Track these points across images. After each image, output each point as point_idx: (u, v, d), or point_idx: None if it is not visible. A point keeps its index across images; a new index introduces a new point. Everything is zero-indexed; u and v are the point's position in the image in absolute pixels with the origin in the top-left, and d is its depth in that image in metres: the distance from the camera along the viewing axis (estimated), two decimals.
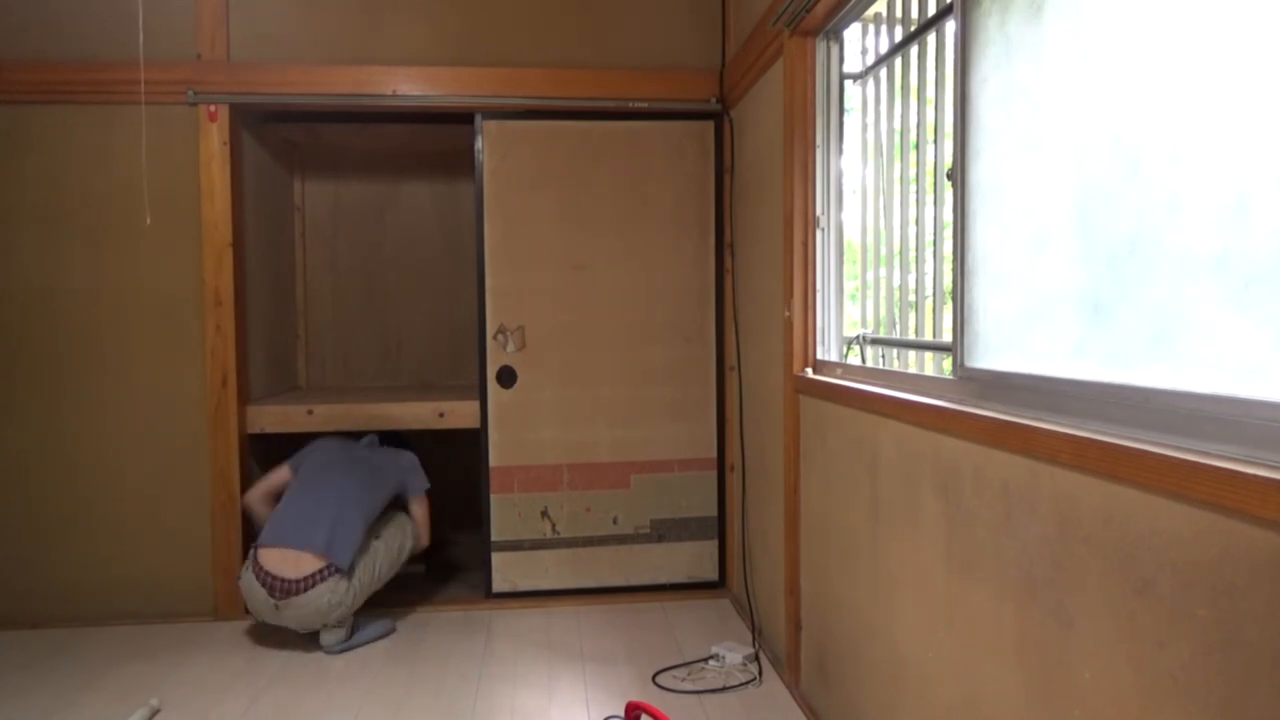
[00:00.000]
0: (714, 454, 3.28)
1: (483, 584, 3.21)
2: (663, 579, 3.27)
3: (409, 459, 3.06)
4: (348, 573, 2.67)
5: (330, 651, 2.73)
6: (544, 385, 3.19)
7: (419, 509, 3.04)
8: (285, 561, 2.62)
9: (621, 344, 3.22)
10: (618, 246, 3.21)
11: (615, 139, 3.18)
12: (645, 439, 3.24)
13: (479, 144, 3.12)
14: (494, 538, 3.18)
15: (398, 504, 3.05)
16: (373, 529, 2.85)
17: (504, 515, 3.18)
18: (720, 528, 3.30)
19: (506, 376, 3.17)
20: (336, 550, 2.65)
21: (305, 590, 2.59)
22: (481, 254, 3.15)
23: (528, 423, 3.19)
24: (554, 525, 3.21)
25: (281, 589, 2.59)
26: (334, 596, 2.63)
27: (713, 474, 3.28)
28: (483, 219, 3.14)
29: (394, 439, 3.35)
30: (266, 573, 2.62)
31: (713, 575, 3.30)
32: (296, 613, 2.62)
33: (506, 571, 3.20)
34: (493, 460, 3.17)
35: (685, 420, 3.26)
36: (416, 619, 3.05)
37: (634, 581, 3.26)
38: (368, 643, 2.81)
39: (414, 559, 3.11)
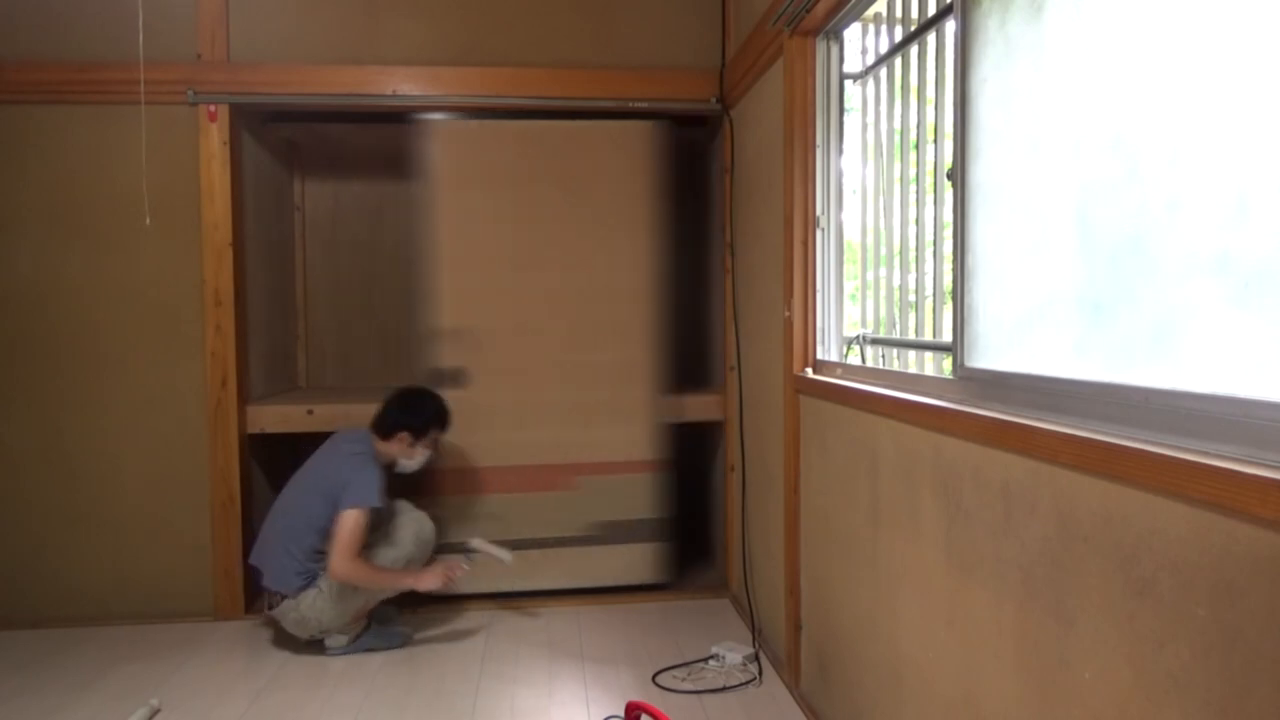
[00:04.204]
0: (649, 455, 3.22)
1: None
2: (662, 579, 3.27)
3: (353, 472, 2.72)
4: (295, 593, 2.68)
5: (332, 654, 2.74)
6: (497, 387, 3.14)
7: (341, 522, 2.64)
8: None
9: (582, 345, 3.18)
10: (556, 249, 3.16)
11: (555, 139, 3.12)
12: (586, 441, 3.19)
13: (429, 146, 3.07)
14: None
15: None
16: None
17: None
18: (666, 529, 3.24)
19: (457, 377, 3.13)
20: (277, 581, 2.71)
21: (279, 605, 2.73)
22: (434, 255, 3.11)
23: (484, 423, 3.14)
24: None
25: (269, 602, 2.79)
26: (299, 613, 2.70)
27: (657, 475, 3.23)
28: (435, 219, 3.11)
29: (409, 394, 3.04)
30: (263, 585, 2.79)
31: (660, 577, 3.25)
32: (283, 621, 2.75)
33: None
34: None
35: (622, 423, 3.20)
36: (416, 620, 3.05)
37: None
38: (370, 650, 2.78)
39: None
